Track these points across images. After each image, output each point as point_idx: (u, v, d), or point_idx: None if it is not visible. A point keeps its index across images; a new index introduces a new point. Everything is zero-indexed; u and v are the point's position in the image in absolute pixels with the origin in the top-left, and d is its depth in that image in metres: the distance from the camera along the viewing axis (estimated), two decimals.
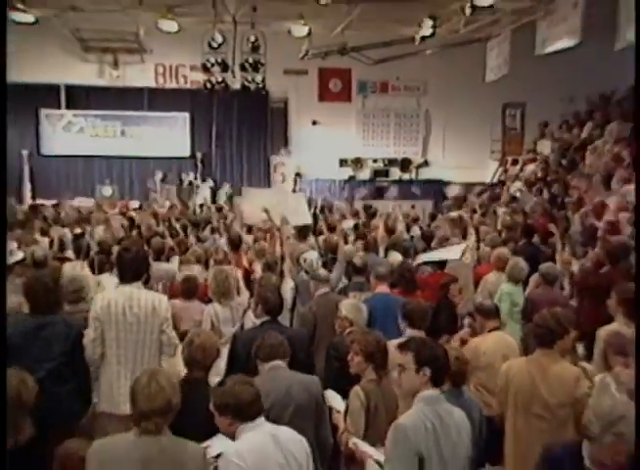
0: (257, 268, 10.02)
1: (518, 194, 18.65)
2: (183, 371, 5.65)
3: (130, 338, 6.32)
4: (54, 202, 20.21)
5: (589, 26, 15.93)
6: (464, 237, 12.35)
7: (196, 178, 23.72)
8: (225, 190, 23.42)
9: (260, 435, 4.25)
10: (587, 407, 4.59)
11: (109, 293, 6.68)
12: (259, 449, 4.19)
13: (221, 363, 6.41)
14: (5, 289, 5.80)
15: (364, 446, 5.14)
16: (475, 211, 16.86)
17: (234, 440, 4.35)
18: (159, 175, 23.00)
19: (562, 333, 5.96)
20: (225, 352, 6.64)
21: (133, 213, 17.19)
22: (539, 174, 19.91)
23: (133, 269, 6.61)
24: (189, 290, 8.47)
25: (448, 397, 4.97)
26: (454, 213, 16.37)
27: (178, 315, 7.36)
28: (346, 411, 5.60)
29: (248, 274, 9.89)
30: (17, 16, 18.40)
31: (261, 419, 4.36)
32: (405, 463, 4.28)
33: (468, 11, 17.42)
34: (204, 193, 22.86)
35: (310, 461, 4.46)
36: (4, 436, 2.47)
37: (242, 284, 8.90)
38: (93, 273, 9.17)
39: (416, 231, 14.62)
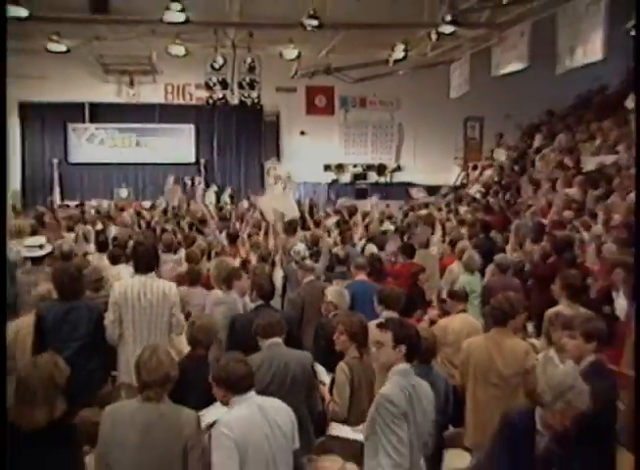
0: (253, 259, 10.02)
1: (477, 195, 18.70)
2: (186, 349, 5.69)
3: (144, 320, 6.39)
4: (78, 202, 20.30)
5: (535, 53, 16.05)
6: (432, 232, 12.39)
7: (199, 182, 23.66)
8: (228, 193, 23.40)
9: (249, 407, 4.23)
10: (539, 378, 4.67)
11: (125, 281, 6.80)
12: (247, 420, 4.16)
13: None
14: (5, 289, 5.79)
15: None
16: (441, 210, 16.86)
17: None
18: (170, 179, 22.96)
19: (513, 314, 6.03)
20: None
21: (145, 212, 17.14)
22: (495, 178, 19.96)
23: (146, 261, 6.68)
24: (193, 278, 8.48)
25: (419, 371, 5.00)
26: (423, 211, 16.43)
27: (184, 300, 7.37)
28: (332, 384, 5.61)
29: (245, 264, 9.88)
30: (51, 46, 18.68)
31: (252, 393, 4.32)
32: (396, 424, 4.29)
33: (434, 37, 17.52)
34: (210, 196, 22.81)
35: (295, 430, 4.40)
36: (4, 435, 2.47)
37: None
38: (112, 264, 9.21)
39: (389, 226, 14.63)
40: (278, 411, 4.35)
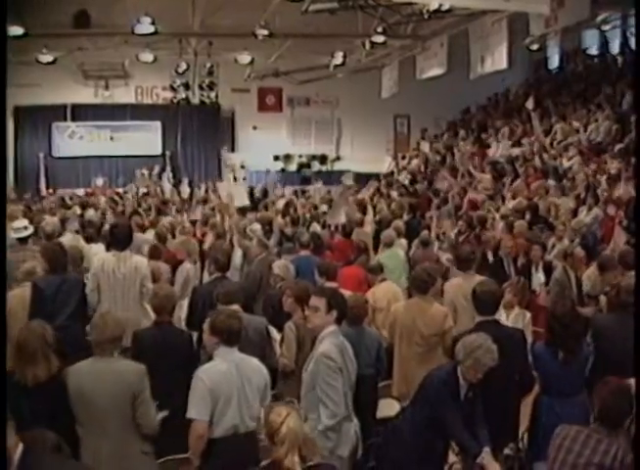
0: (209, 238, 10.04)
1: (405, 181, 18.86)
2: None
3: (118, 289, 6.54)
4: (60, 191, 20.28)
5: (452, 61, 16.28)
6: (364, 213, 12.48)
7: (165, 171, 23.46)
8: (186, 182, 23.22)
9: (227, 363, 4.27)
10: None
11: (103, 256, 6.95)
12: (223, 374, 4.21)
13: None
14: (5, 285, 5.78)
15: None
16: (374, 194, 16.99)
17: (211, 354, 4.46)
18: (141, 170, 22.84)
19: (432, 282, 6.15)
20: None
21: (118, 198, 17.06)
22: (421, 168, 20.15)
23: (121, 240, 6.80)
24: (156, 254, 8.48)
25: (352, 332, 5.13)
26: (359, 196, 16.57)
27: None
28: (281, 341, 5.69)
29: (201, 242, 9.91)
30: (41, 57, 18.92)
31: (235, 348, 4.38)
32: (332, 377, 4.38)
33: (367, 46, 17.65)
34: (172, 183, 22.70)
35: (268, 387, 4.46)
36: (4, 435, 2.51)
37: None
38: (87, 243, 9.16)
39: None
40: (253, 369, 4.39)
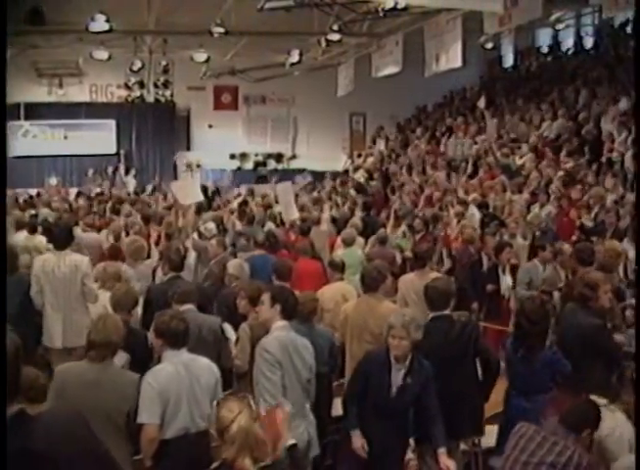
0: (164, 237, 9.89)
1: (361, 179, 18.93)
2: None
3: (60, 289, 6.46)
4: (12, 191, 19.86)
5: (408, 59, 16.36)
6: (321, 211, 12.50)
7: (120, 170, 23.23)
8: (132, 184, 23.00)
9: (175, 364, 4.25)
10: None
11: (44, 256, 6.88)
12: (170, 375, 4.18)
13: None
14: (5, 287, 5.67)
15: None
16: (330, 192, 17.00)
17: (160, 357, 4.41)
18: (91, 171, 22.60)
19: (382, 279, 6.09)
20: None
21: (71, 198, 16.84)
22: (377, 165, 20.25)
23: (61, 239, 6.77)
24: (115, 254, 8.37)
25: (302, 328, 5.13)
26: (315, 194, 16.60)
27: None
28: (236, 342, 5.62)
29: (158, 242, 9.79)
30: None
31: (183, 350, 4.34)
32: (270, 370, 4.43)
33: (323, 44, 17.60)
34: (130, 182, 22.49)
35: (219, 384, 4.42)
36: (4, 435, 2.43)
37: (153, 248, 8.87)
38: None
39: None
40: (202, 369, 4.35)
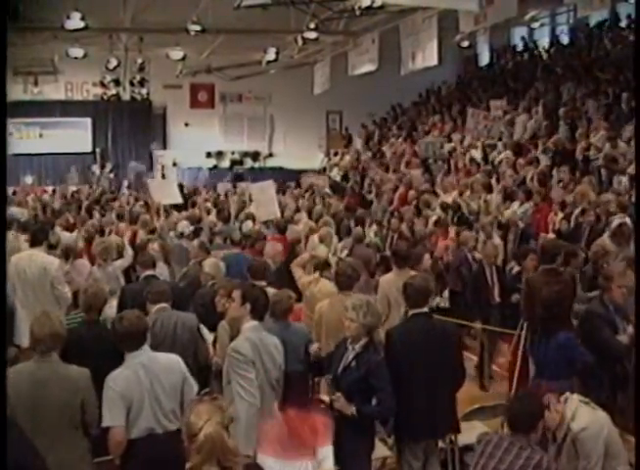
0: (140, 236, 9.83)
1: (337, 177, 18.94)
2: None
3: (29, 290, 6.50)
4: None
5: (384, 57, 16.40)
6: (298, 210, 12.49)
7: (95, 169, 23.12)
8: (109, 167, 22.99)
9: (133, 367, 4.22)
10: None
11: (18, 255, 6.83)
12: (128, 378, 4.16)
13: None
14: (5, 288, 5.61)
15: None
16: (306, 191, 16.99)
17: None
18: (71, 168, 22.43)
19: (356, 277, 6.10)
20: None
21: (46, 196, 16.67)
22: (354, 163, 20.24)
23: (34, 238, 6.87)
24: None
25: (277, 326, 5.12)
26: (295, 191, 16.60)
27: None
28: (215, 341, 5.61)
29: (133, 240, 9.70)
30: None
31: (141, 350, 4.29)
32: (244, 369, 4.43)
33: (300, 42, 17.57)
34: (104, 182, 22.33)
35: (187, 382, 4.36)
36: (4, 434, 2.39)
37: (127, 247, 8.78)
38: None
39: None
40: (164, 368, 4.30)
